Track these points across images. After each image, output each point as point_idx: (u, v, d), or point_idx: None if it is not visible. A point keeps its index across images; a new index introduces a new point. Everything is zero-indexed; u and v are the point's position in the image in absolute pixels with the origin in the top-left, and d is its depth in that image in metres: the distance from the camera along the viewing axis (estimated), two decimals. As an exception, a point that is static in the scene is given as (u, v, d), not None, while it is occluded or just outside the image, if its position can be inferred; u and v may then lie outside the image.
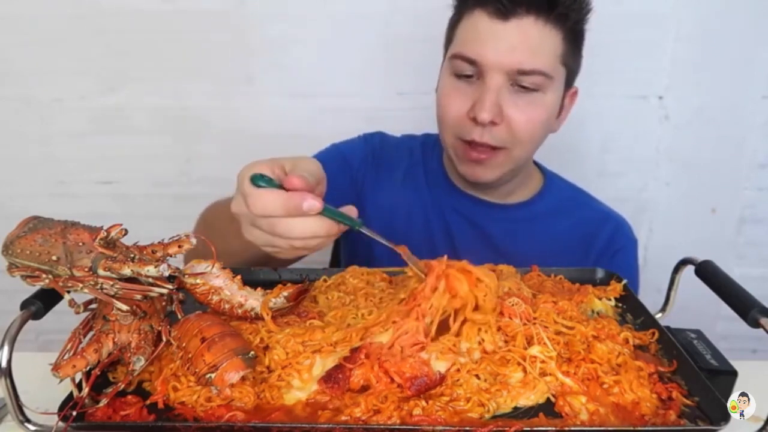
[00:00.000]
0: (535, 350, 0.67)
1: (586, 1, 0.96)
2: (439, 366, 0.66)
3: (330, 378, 0.65)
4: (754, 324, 0.66)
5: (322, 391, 0.64)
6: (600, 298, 0.84)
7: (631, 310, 0.83)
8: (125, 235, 0.67)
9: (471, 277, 0.71)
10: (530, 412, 0.63)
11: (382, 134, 1.24)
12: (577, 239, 1.13)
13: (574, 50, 0.99)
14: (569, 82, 1.03)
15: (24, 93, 1.56)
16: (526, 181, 1.15)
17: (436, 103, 1.05)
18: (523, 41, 0.92)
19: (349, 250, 1.25)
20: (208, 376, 0.62)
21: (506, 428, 0.58)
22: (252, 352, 0.65)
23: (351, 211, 0.71)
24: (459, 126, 0.99)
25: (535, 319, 0.73)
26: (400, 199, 1.15)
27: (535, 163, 1.21)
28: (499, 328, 0.71)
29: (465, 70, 0.96)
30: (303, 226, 0.66)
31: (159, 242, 0.69)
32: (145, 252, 0.68)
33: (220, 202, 1.02)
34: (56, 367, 0.60)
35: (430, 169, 1.17)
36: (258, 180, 0.65)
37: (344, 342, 0.69)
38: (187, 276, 0.73)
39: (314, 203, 0.65)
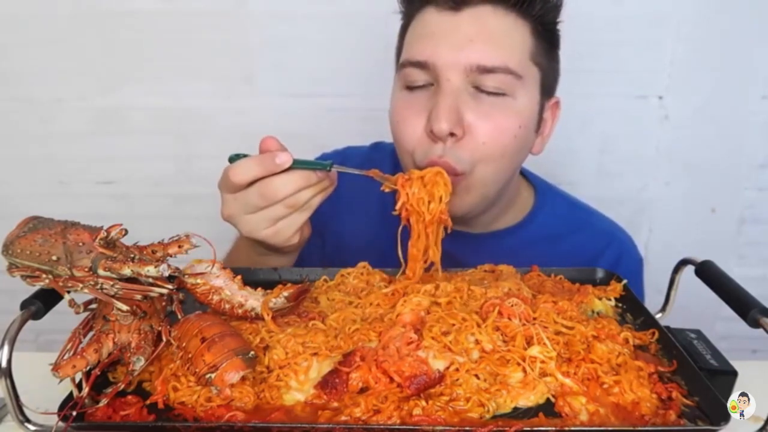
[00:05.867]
0: (534, 350, 0.67)
1: None
2: (438, 364, 0.66)
3: (327, 384, 0.65)
4: (754, 324, 0.66)
5: (319, 395, 0.64)
6: (600, 298, 0.84)
7: (631, 310, 0.83)
8: (125, 235, 0.67)
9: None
10: (530, 412, 0.62)
11: (345, 151, 1.10)
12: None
13: (547, 48, 0.86)
14: (547, 89, 0.88)
15: (24, 93, 1.56)
16: (511, 204, 0.99)
17: (390, 124, 0.89)
18: (480, 32, 0.79)
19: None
20: (208, 376, 0.62)
21: (506, 428, 0.58)
22: (252, 352, 0.65)
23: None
24: (416, 148, 0.83)
25: (534, 319, 0.72)
26: (365, 230, 1.03)
27: (525, 177, 1.05)
28: (497, 328, 0.71)
29: (417, 79, 0.82)
30: (284, 181, 0.74)
31: (159, 242, 0.69)
32: (145, 252, 0.68)
33: (233, 249, 1.01)
34: (56, 367, 0.60)
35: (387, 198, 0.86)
36: (234, 157, 0.79)
37: (337, 349, 0.69)
38: (187, 276, 0.73)
39: (285, 156, 0.74)
